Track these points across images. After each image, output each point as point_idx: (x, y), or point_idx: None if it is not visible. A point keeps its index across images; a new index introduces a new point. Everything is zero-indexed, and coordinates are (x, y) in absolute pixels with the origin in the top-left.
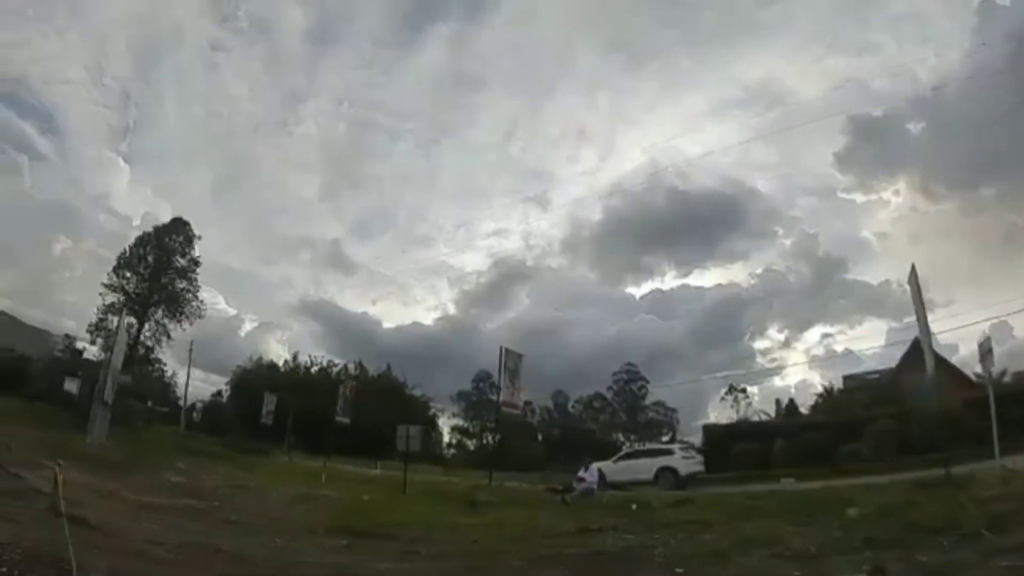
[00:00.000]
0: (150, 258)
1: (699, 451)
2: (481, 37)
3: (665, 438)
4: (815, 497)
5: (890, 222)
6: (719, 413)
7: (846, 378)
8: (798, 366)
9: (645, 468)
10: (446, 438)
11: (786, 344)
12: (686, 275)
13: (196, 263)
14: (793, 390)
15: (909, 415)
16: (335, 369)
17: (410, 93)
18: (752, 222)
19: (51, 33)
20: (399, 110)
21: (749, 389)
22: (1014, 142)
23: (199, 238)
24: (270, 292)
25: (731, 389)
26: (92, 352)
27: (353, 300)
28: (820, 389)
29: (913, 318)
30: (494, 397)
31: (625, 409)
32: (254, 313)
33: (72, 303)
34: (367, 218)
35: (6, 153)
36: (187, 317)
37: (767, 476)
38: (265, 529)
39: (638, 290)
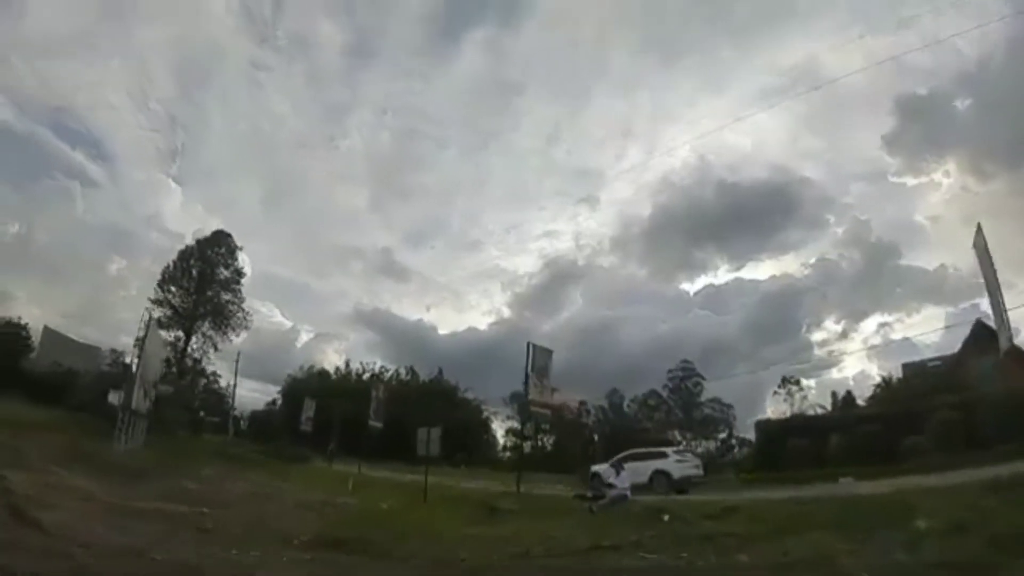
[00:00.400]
0: (194, 271)
1: (696, 454)
2: (517, 42)
3: (722, 435)
4: (874, 503)
5: (942, 204)
6: (775, 408)
7: (905, 367)
8: (855, 356)
9: (641, 472)
10: (500, 441)
11: (843, 335)
12: (739, 268)
13: (240, 274)
14: (851, 382)
15: (974, 404)
16: (387, 374)
17: (451, 101)
18: (803, 211)
19: (94, 61)
20: (442, 118)
21: (806, 383)
22: None
23: (241, 249)
24: (325, 303)
25: (784, 382)
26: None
27: (408, 308)
28: (879, 380)
29: (971, 302)
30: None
31: (681, 406)
32: (310, 324)
33: (127, 320)
34: (418, 226)
35: (57, 180)
36: (233, 328)
37: (824, 476)
38: (238, 539)
39: (691, 286)
